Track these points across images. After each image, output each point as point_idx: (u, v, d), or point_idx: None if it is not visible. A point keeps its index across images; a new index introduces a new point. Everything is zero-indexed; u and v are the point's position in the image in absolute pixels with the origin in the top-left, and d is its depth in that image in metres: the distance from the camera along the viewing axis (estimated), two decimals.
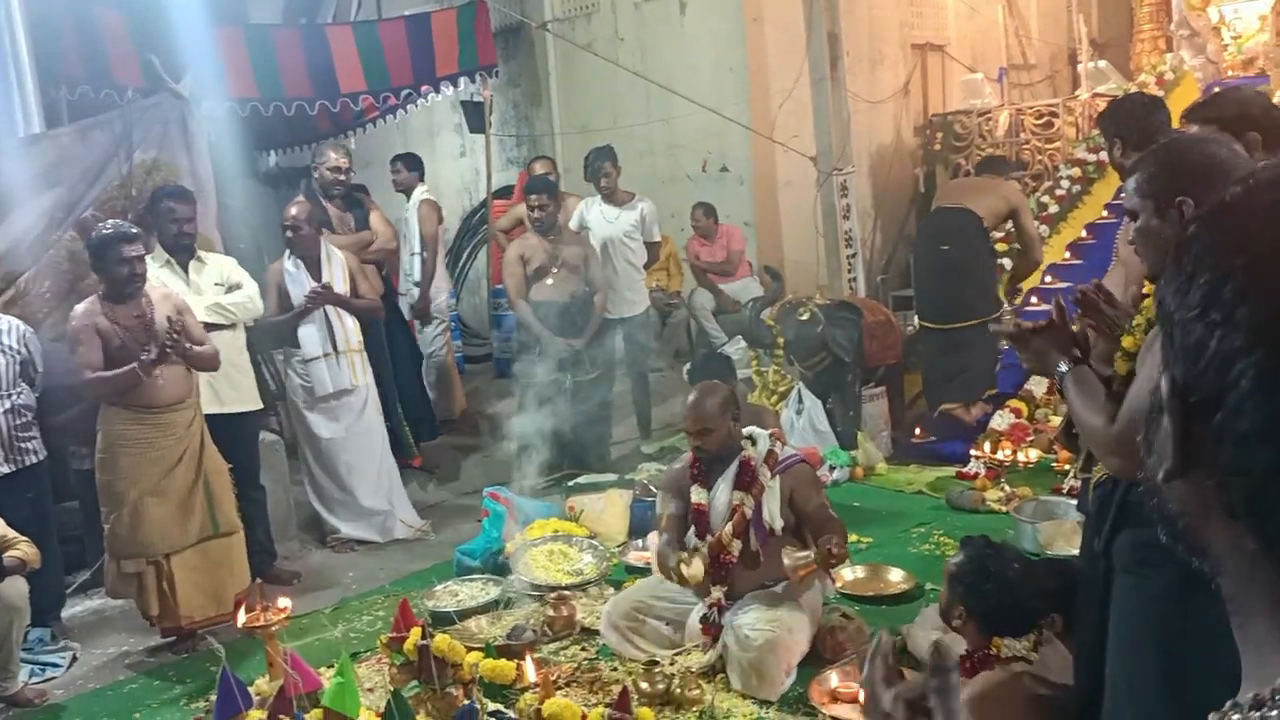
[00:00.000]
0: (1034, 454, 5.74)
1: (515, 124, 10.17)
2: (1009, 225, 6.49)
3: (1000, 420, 5.94)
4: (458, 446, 7.30)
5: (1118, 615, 2.23)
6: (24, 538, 4.28)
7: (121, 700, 4.27)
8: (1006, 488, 5.47)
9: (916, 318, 6.77)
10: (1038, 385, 6.20)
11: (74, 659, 4.68)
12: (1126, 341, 2.18)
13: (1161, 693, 2.14)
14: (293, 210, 5.64)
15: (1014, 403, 6.04)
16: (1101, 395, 2.11)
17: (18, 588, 4.21)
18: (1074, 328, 2.26)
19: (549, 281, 6.41)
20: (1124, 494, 2.21)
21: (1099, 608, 2.40)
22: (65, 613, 5.07)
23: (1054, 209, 7.81)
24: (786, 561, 3.77)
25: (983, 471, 5.69)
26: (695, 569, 3.88)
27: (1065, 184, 7.97)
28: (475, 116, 8.52)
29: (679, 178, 8.96)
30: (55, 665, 4.61)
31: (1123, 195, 2.27)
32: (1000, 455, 5.64)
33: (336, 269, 5.68)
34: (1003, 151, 8.61)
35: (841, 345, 6.04)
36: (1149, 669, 2.15)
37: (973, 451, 5.81)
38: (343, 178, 6.33)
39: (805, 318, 6.04)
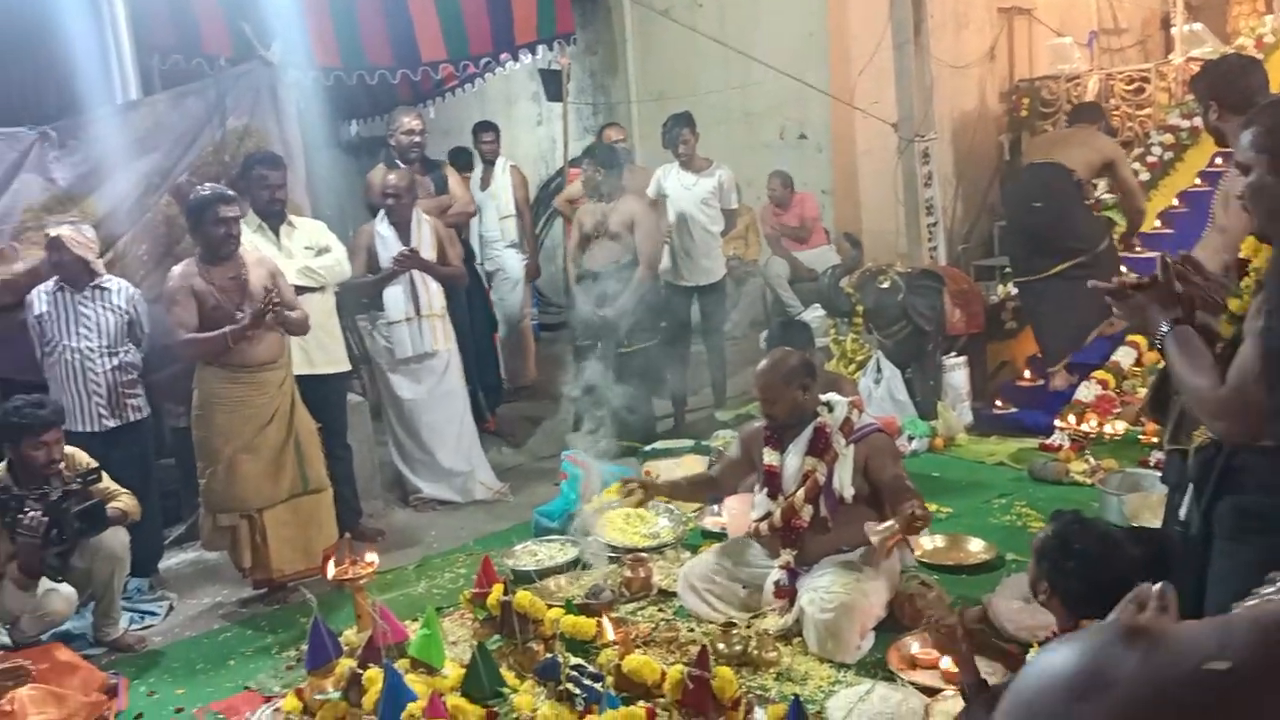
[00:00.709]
0: (1120, 426, 5.62)
1: (592, 92, 10.18)
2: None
3: (1086, 392, 5.82)
4: (529, 413, 7.40)
5: (1216, 582, 2.20)
6: (126, 490, 4.47)
7: (216, 648, 4.44)
8: (1091, 460, 5.37)
9: (1010, 284, 6.63)
10: (1125, 356, 6.06)
11: (170, 608, 4.88)
12: (1233, 304, 2.13)
13: None
14: (392, 178, 5.76)
15: (1100, 374, 5.91)
16: (1208, 357, 2.06)
17: (120, 538, 4.39)
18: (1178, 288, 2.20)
19: (594, 249, 6.43)
20: (1226, 460, 2.17)
21: (1195, 575, 2.36)
22: (162, 564, 5.28)
23: (1145, 176, 7.58)
24: (871, 536, 3.76)
25: (1067, 444, 5.60)
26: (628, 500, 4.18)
27: (1157, 151, 7.74)
28: (553, 85, 8.55)
29: (756, 145, 8.89)
30: (153, 614, 4.81)
31: (1233, 153, 2.20)
32: (1085, 427, 5.53)
33: (425, 235, 5.79)
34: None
35: (922, 314, 5.96)
36: None
37: (1057, 423, 5.71)
38: (418, 140, 6.42)
39: (885, 285, 5.98)
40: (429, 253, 5.78)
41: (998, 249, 8.53)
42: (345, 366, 5.52)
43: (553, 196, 9.73)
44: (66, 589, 4.28)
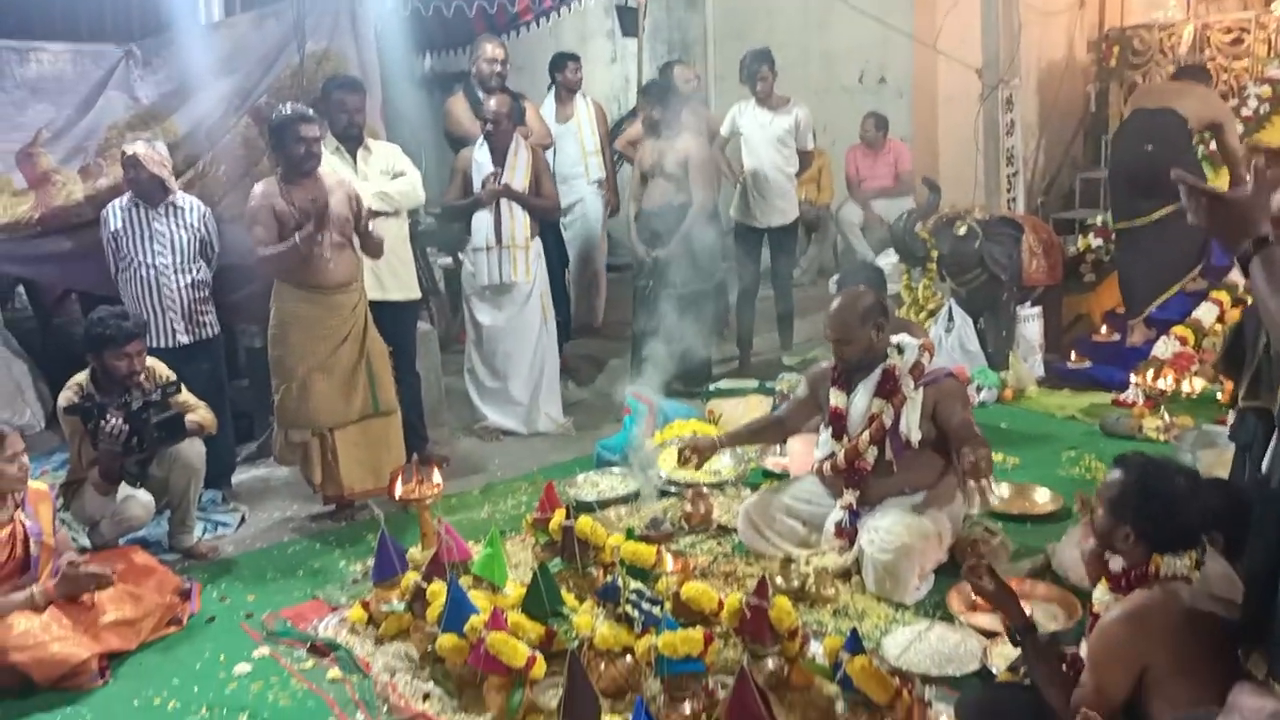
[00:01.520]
0: (1198, 384, 5.47)
1: (668, 29, 10.04)
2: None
3: (1164, 348, 5.67)
4: (596, 352, 7.42)
5: None
6: (202, 403, 4.58)
7: (286, 559, 4.56)
8: (1166, 417, 5.25)
9: (1093, 236, 6.45)
10: (1206, 313, 5.89)
11: (243, 520, 5.02)
12: None
13: None
14: (493, 104, 5.77)
15: (1180, 330, 5.75)
16: None
17: (196, 449, 4.52)
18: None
19: (649, 188, 6.37)
20: None
21: (1276, 527, 2.30)
22: (235, 479, 5.43)
23: (1239, 129, 7.30)
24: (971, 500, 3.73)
25: (1141, 400, 5.47)
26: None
27: (1253, 103, 7.42)
28: (629, 21, 8.46)
29: (834, 88, 8.73)
30: (226, 524, 4.95)
31: None
32: (1161, 384, 5.39)
33: (520, 164, 5.79)
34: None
35: (999, 262, 5.84)
36: None
37: (1132, 378, 5.58)
38: (499, 69, 6.41)
39: (962, 232, 5.85)
40: (522, 182, 5.78)
41: (1079, 201, 8.30)
42: (416, 294, 5.58)
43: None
44: (144, 496, 4.42)
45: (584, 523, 3.85)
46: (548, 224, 6.87)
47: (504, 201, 5.74)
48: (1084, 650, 2.65)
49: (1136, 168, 5.90)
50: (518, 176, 5.76)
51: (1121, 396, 5.63)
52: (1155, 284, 6.02)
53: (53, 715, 3.44)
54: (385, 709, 3.33)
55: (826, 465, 4.12)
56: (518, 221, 5.78)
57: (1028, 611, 3.39)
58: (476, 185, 5.77)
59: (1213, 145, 6.27)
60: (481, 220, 5.77)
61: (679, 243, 6.24)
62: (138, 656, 3.77)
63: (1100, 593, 2.62)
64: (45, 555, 3.79)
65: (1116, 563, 2.57)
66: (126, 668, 3.71)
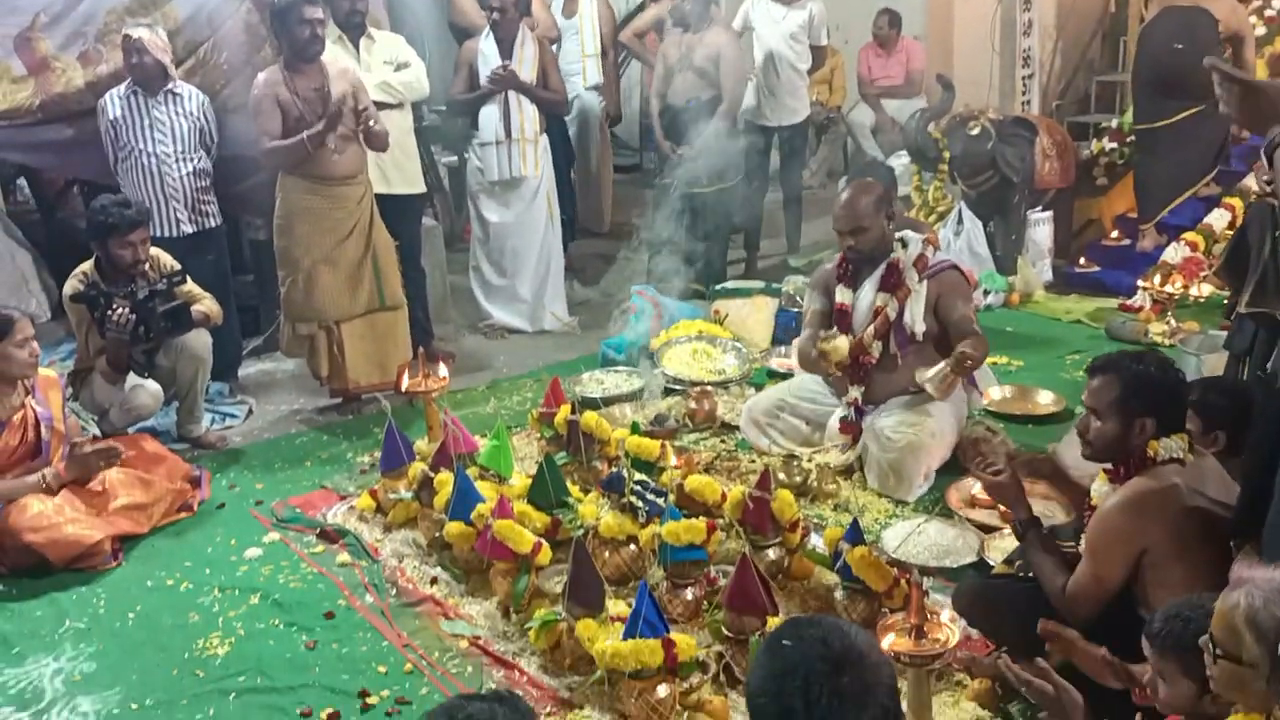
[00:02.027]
0: (1206, 289, 5.46)
1: None
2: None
3: (1174, 253, 5.62)
4: (602, 251, 7.37)
5: None
6: (208, 294, 4.58)
7: (294, 450, 4.61)
8: (1172, 321, 5.25)
9: (1106, 140, 6.34)
10: (1218, 219, 5.82)
11: (250, 411, 5.06)
12: None
13: None
14: None
15: (1191, 236, 5.70)
16: None
17: (203, 339, 4.53)
18: None
19: (676, 82, 6.24)
20: None
21: (1276, 423, 2.31)
22: (241, 373, 5.45)
23: (1261, 30, 7.12)
24: (923, 383, 3.74)
25: (1149, 304, 5.46)
26: (839, 344, 3.89)
27: (1278, 4, 7.23)
28: None
29: None
30: (233, 415, 4.99)
31: None
32: (1170, 289, 5.37)
33: (528, 55, 5.68)
34: None
35: (1011, 164, 5.76)
36: None
37: (1140, 283, 5.55)
38: None
39: (975, 133, 5.75)
40: (529, 74, 5.67)
41: (1095, 105, 8.15)
42: (421, 188, 5.52)
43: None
44: (152, 385, 4.45)
45: (589, 417, 3.88)
46: (554, 120, 6.78)
47: (512, 94, 5.64)
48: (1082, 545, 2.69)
49: (1163, 67, 5.77)
50: (525, 69, 5.65)
51: (1129, 301, 5.62)
52: (1170, 188, 5.95)
53: (68, 594, 3.52)
54: (394, 592, 3.41)
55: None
56: (526, 114, 5.69)
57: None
58: (483, 78, 5.67)
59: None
60: (489, 114, 5.68)
61: (706, 140, 6.14)
62: (150, 540, 3.85)
63: (1099, 484, 2.65)
64: (56, 440, 3.83)
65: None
66: (139, 550, 3.79)
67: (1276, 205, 3.57)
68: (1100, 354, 2.74)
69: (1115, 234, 6.36)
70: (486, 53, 5.67)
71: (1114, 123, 6.80)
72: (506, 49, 5.65)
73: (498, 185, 5.80)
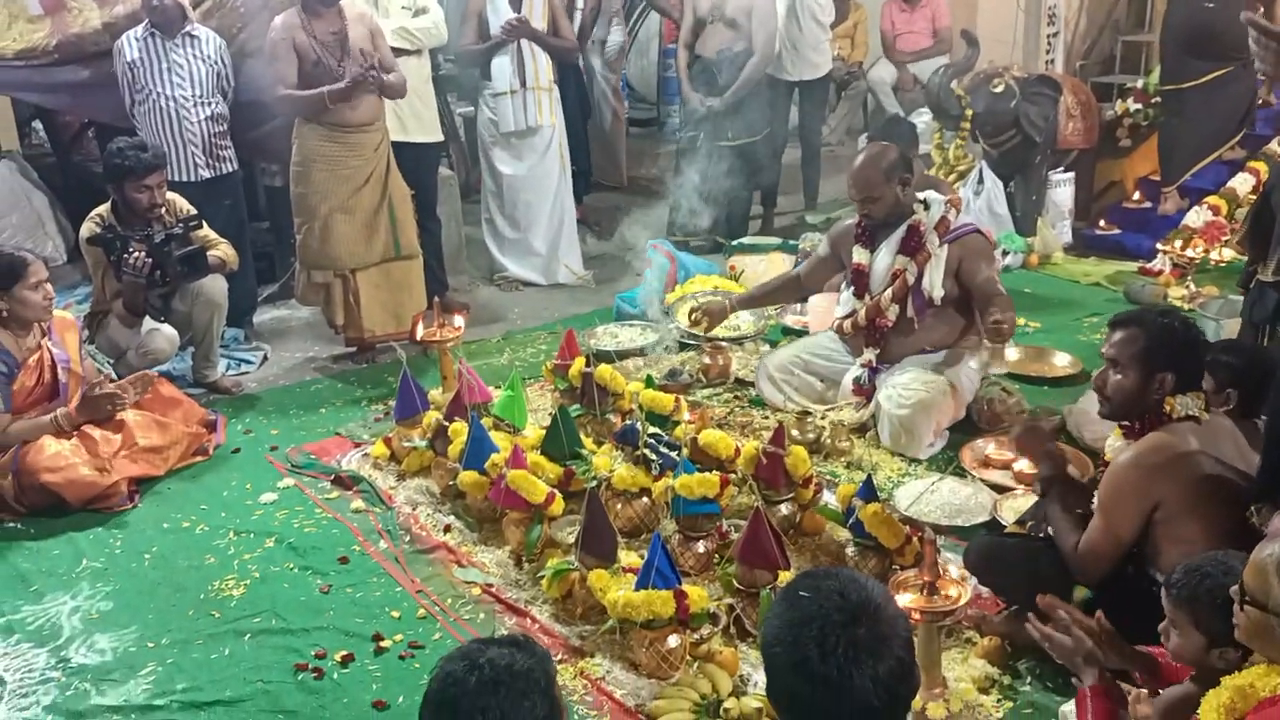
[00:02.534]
0: (1227, 254, 5.39)
1: None
2: None
3: (1196, 217, 5.56)
4: (617, 204, 7.33)
5: None
6: (224, 240, 4.58)
7: (308, 396, 4.63)
8: (1192, 286, 5.20)
9: (1130, 100, 6.25)
10: (1242, 183, 5.75)
11: (265, 358, 5.08)
12: None
13: None
14: None
15: (1213, 199, 5.63)
16: None
17: (219, 285, 4.53)
18: None
19: (707, 34, 6.16)
20: None
21: None
22: (256, 319, 5.46)
23: None
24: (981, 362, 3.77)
25: (1168, 268, 5.41)
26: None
27: None
28: None
29: None
30: (249, 362, 5.01)
31: None
32: (1190, 253, 5.32)
33: (538, 3, 5.60)
34: None
35: (1034, 123, 5.68)
36: None
37: (1160, 247, 5.50)
38: None
39: (999, 90, 5.67)
40: (539, 22, 5.61)
41: (1120, 66, 8.03)
42: (438, 136, 5.49)
43: None
44: (168, 329, 4.46)
45: (604, 370, 3.88)
46: (570, 71, 6.71)
47: (524, 43, 5.57)
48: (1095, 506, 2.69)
49: (1194, 25, 5.67)
50: (535, 17, 5.58)
51: (1148, 265, 5.57)
52: (1195, 150, 5.87)
53: (85, 534, 3.56)
54: (408, 539, 3.44)
55: (847, 323, 4.10)
56: (540, 62, 5.63)
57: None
58: (494, 27, 5.59)
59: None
60: (502, 64, 5.61)
61: (738, 92, 6.09)
62: (166, 483, 3.88)
63: (1113, 440, 2.64)
64: (73, 382, 3.86)
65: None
66: (155, 493, 3.82)
67: None
68: (1118, 315, 2.73)
69: (1137, 196, 6.29)
70: (496, 1, 5.59)
71: (1139, 83, 6.69)
72: None
73: (512, 137, 5.75)
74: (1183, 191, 5.99)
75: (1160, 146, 6.18)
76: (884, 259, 4.01)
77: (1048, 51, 7.00)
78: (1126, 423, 2.62)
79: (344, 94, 4.44)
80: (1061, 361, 4.54)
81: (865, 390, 4.05)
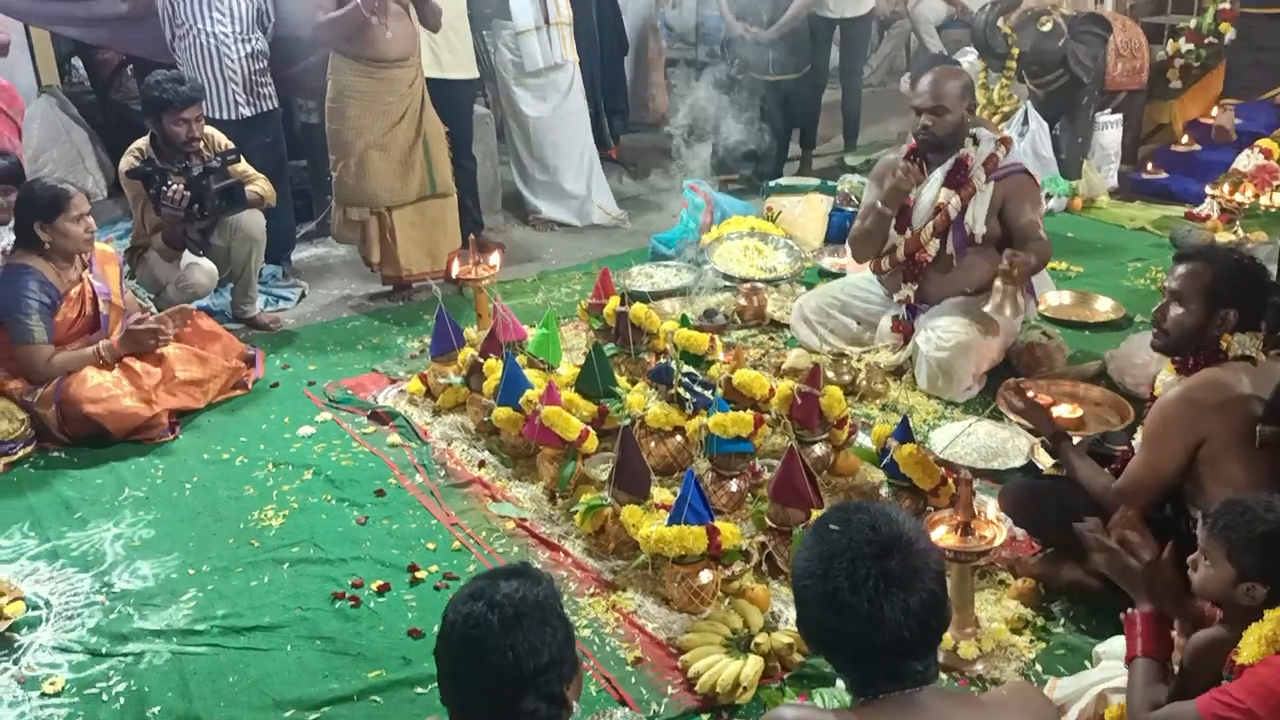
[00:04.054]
0: (1278, 199, 5.26)
1: None
2: None
3: (1246, 161, 5.42)
4: (653, 144, 7.26)
5: None
6: (262, 175, 4.58)
7: (345, 334, 4.66)
8: (1240, 231, 5.09)
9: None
10: None
11: (302, 295, 5.11)
12: None
13: None
14: None
15: (1265, 143, 5.48)
16: None
17: (256, 220, 4.55)
18: None
19: None
20: None
21: None
22: (294, 257, 5.49)
23: None
24: (989, 309, 3.68)
25: (1216, 213, 5.29)
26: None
27: None
28: None
29: None
30: (286, 299, 5.04)
31: None
32: (1240, 198, 5.19)
33: None
34: None
35: (1082, 63, 5.54)
36: None
37: (1209, 190, 5.37)
38: None
39: (1047, 29, 5.52)
40: None
41: (1172, 6, 7.80)
42: (473, 72, 5.44)
43: None
44: (207, 264, 4.49)
45: (639, 309, 3.86)
46: (608, 6, 6.61)
47: None
48: (1137, 444, 2.66)
49: None
50: None
51: (1195, 210, 5.45)
52: (1262, 78, 5.70)
53: (127, 464, 3.62)
54: (443, 473, 3.47)
55: (885, 259, 4.04)
56: None
57: (1079, 414, 3.43)
58: None
59: None
60: (523, 1, 5.53)
61: (785, 24, 6.01)
62: (206, 415, 3.93)
63: (1164, 375, 2.60)
64: (114, 315, 3.90)
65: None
66: (195, 425, 3.88)
67: None
68: (1186, 249, 2.69)
69: (1185, 140, 6.13)
70: None
71: (1191, 23, 6.50)
72: None
73: (538, 75, 5.67)
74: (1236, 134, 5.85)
75: (1228, 66, 6.07)
76: (928, 193, 3.92)
77: None
78: (1180, 358, 2.57)
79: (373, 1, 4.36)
80: (1104, 306, 4.47)
81: (904, 326, 4.01)
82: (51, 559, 3.12)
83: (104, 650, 2.72)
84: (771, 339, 4.42)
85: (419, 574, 2.95)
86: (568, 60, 5.69)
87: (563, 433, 3.20)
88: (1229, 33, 6.24)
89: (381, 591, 2.89)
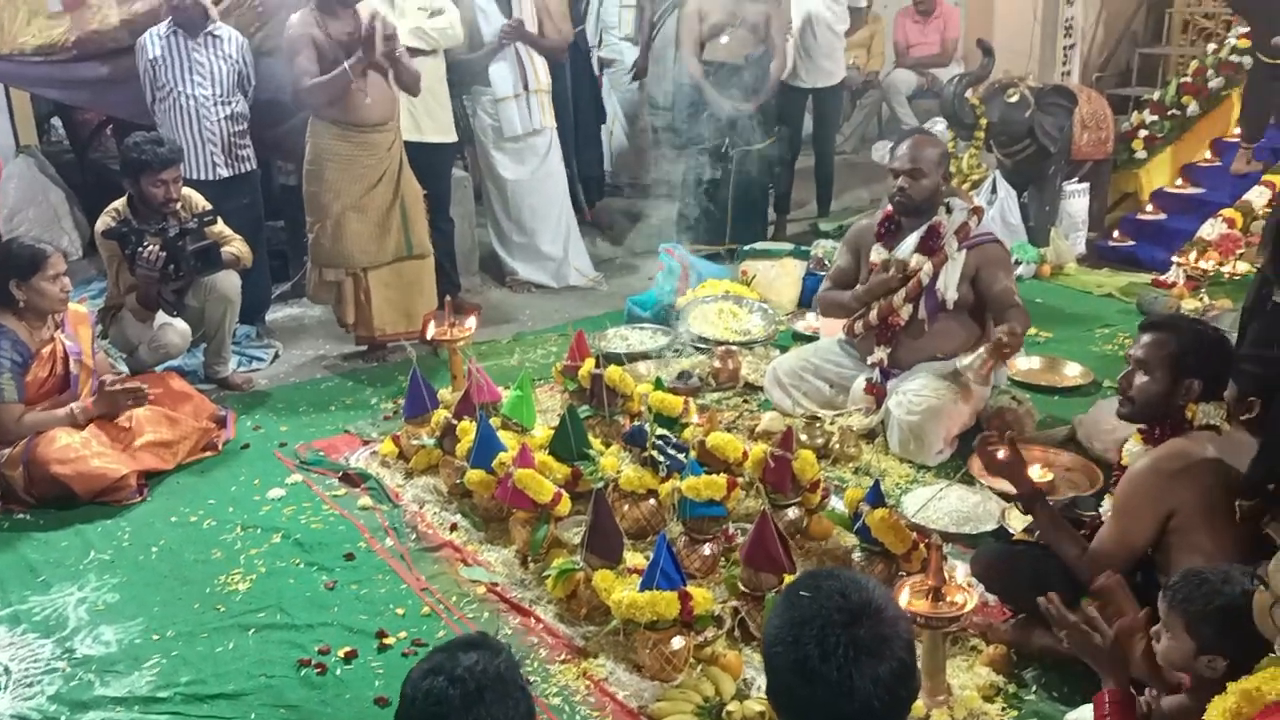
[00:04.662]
0: (1242, 267, 5.37)
1: None
2: None
3: (1210, 229, 5.54)
4: (629, 208, 7.33)
5: None
6: (239, 236, 4.60)
7: (319, 394, 4.64)
8: (1205, 298, 5.18)
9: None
10: (1257, 196, 5.73)
11: (276, 355, 5.10)
12: None
13: None
14: None
15: (1228, 212, 5.61)
16: None
17: (232, 280, 4.56)
18: None
19: (723, 40, 6.15)
20: None
21: None
22: (269, 317, 5.49)
23: None
24: (960, 365, 3.71)
25: (1182, 280, 5.39)
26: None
27: None
28: None
29: None
30: (260, 359, 5.03)
31: None
32: (1205, 265, 5.30)
33: (526, 5, 5.62)
34: None
35: (1049, 134, 5.67)
36: None
37: (1174, 259, 5.49)
38: None
39: (1014, 100, 5.66)
40: (530, 25, 5.63)
41: (1136, 78, 8.04)
42: (452, 137, 5.50)
43: None
44: (181, 324, 4.48)
45: (613, 371, 3.87)
46: (585, 73, 6.71)
47: (520, 46, 5.58)
48: (1105, 514, 2.68)
49: None
50: (525, 18, 5.59)
51: (1162, 277, 5.55)
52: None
53: (94, 526, 3.57)
54: (414, 537, 3.44)
55: (858, 323, 4.09)
56: (538, 64, 5.67)
57: (1050, 478, 3.45)
58: (485, 33, 5.56)
59: None
60: (502, 69, 5.60)
61: (763, 96, 6.16)
62: (175, 477, 3.89)
63: (1131, 445, 2.63)
64: (85, 374, 3.88)
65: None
66: (164, 487, 3.83)
67: None
68: (1151, 318, 2.74)
69: (1151, 208, 6.26)
70: (484, 7, 5.58)
71: (1155, 95, 6.69)
72: (505, 2, 5.58)
73: (516, 140, 5.74)
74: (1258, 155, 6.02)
75: (1244, 105, 6.25)
76: (901, 258, 3.98)
77: (1064, 62, 7.00)
78: (1146, 427, 2.60)
79: (366, 60, 4.41)
80: (1072, 371, 4.52)
81: (877, 390, 4.04)
82: (12, 624, 3.06)
83: (63, 719, 2.66)
84: (746, 402, 4.44)
85: (387, 640, 2.91)
86: (545, 127, 5.77)
87: (535, 495, 3.19)
88: (1190, 105, 6.43)
89: (348, 658, 2.85)
